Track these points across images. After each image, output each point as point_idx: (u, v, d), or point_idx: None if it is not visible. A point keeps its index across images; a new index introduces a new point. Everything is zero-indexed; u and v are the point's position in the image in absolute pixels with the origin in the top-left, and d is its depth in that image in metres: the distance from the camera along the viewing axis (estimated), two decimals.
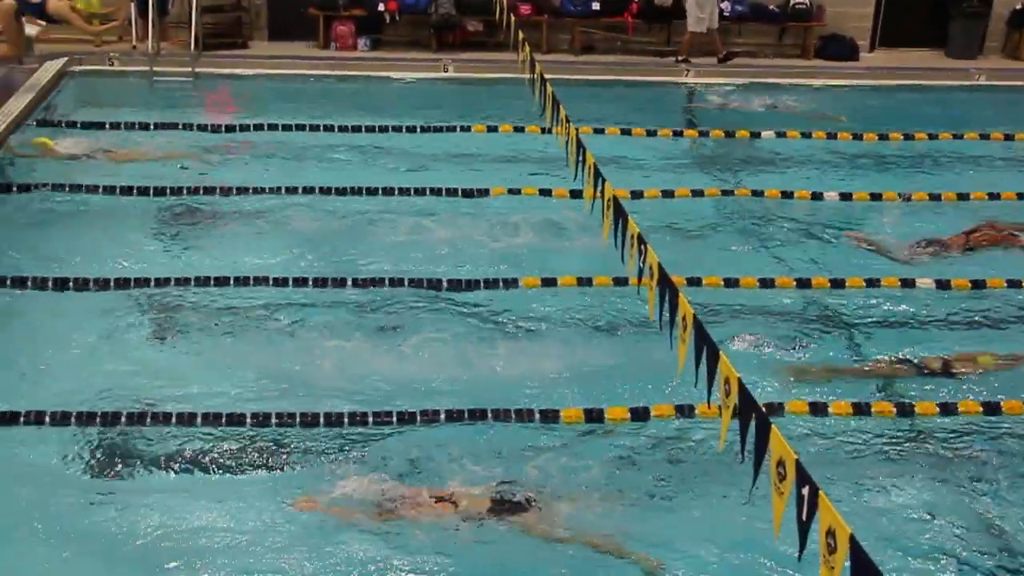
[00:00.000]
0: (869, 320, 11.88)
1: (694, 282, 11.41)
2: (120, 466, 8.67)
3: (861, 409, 9.94)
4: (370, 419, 9.28)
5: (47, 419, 8.89)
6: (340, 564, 7.58)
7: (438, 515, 8.10)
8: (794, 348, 11.18)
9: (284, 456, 8.92)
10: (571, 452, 9.11)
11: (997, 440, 9.75)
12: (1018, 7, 21.37)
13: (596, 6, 20.68)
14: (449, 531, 7.96)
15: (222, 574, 7.48)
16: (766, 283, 12.26)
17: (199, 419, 9.05)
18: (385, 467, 8.65)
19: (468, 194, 14.15)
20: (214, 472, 8.68)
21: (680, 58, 20.54)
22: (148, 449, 8.85)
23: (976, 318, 12.05)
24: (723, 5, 20.75)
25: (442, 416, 9.38)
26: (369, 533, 7.84)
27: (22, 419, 8.88)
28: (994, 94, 20.00)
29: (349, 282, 11.75)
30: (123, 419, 9.06)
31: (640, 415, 9.52)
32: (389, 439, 9.13)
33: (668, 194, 14.59)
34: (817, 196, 14.96)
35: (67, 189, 13.46)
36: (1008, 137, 17.32)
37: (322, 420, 9.21)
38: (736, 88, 19.40)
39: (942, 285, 12.38)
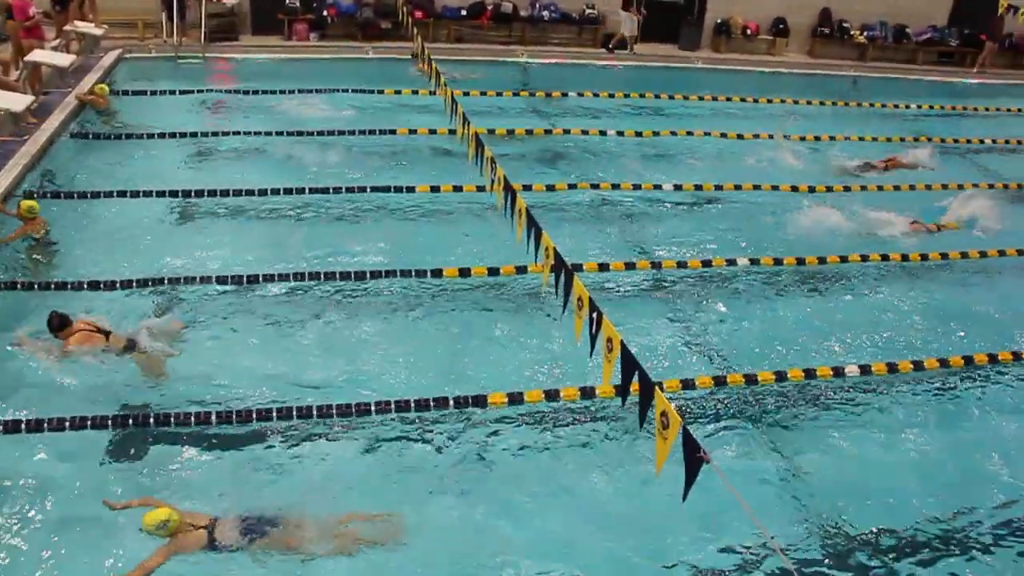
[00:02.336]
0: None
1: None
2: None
3: None
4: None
5: None
6: None
7: None
8: None
9: None
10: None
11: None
12: (719, 20, 21.79)
13: (464, 12, 20.64)
14: None
15: None
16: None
17: None
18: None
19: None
20: None
21: (610, 47, 20.94)
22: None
23: None
24: (543, 13, 20.87)
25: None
26: None
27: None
28: (707, 73, 20.28)
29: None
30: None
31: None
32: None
33: (511, 131, 14.66)
34: (603, 132, 15.01)
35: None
36: (714, 99, 17.79)
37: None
38: (551, 65, 19.48)
39: None
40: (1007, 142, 17.01)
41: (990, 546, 6.81)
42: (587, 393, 7.82)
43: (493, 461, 7.23)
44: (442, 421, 7.54)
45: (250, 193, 11.39)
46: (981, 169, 15.61)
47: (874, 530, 6.83)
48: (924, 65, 23.23)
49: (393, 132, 14.02)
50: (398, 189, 11.86)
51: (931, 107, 19.26)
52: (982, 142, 16.86)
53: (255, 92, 15.72)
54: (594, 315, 5.85)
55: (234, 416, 7.27)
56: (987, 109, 19.52)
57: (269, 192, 11.44)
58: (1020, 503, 7.26)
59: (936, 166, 15.07)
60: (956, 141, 16.72)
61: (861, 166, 14.68)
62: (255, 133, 13.67)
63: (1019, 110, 19.59)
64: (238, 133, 13.62)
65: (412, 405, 7.52)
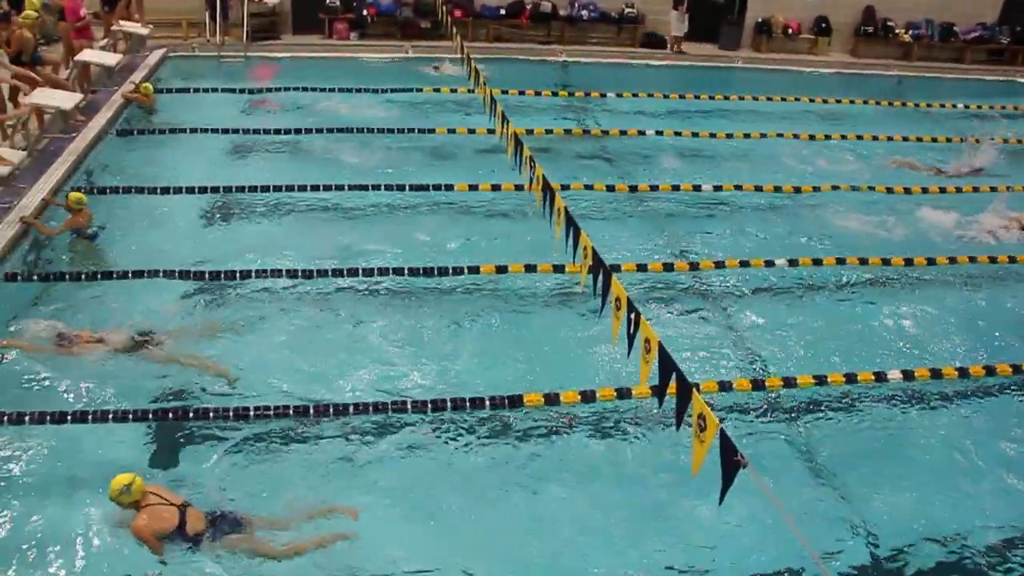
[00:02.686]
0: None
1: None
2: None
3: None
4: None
5: None
6: None
7: None
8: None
9: None
10: None
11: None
12: (759, 20, 21.57)
13: (503, 11, 20.65)
14: None
15: None
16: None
17: None
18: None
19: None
20: None
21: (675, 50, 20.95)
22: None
23: None
24: (582, 12, 20.81)
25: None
26: None
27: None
28: (747, 72, 20.15)
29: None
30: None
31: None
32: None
33: (549, 131, 14.58)
34: (642, 132, 14.83)
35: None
36: (755, 98, 17.57)
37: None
38: (589, 64, 19.42)
39: None
40: None
41: None
42: (624, 394, 7.75)
43: (523, 461, 7.23)
44: (478, 423, 7.55)
45: (290, 189, 11.51)
46: None
47: (914, 543, 6.70)
48: (972, 64, 22.83)
49: (432, 131, 14.05)
50: (436, 187, 11.87)
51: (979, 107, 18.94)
52: None
53: (296, 89, 15.81)
54: (632, 315, 5.82)
55: (251, 413, 7.28)
56: None
57: (309, 188, 11.54)
58: None
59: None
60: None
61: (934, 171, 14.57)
62: (295, 131, 13.78)
63: None
64: (279, 131, 13.73)
65: (448, 404, 7.50)
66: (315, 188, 11.56)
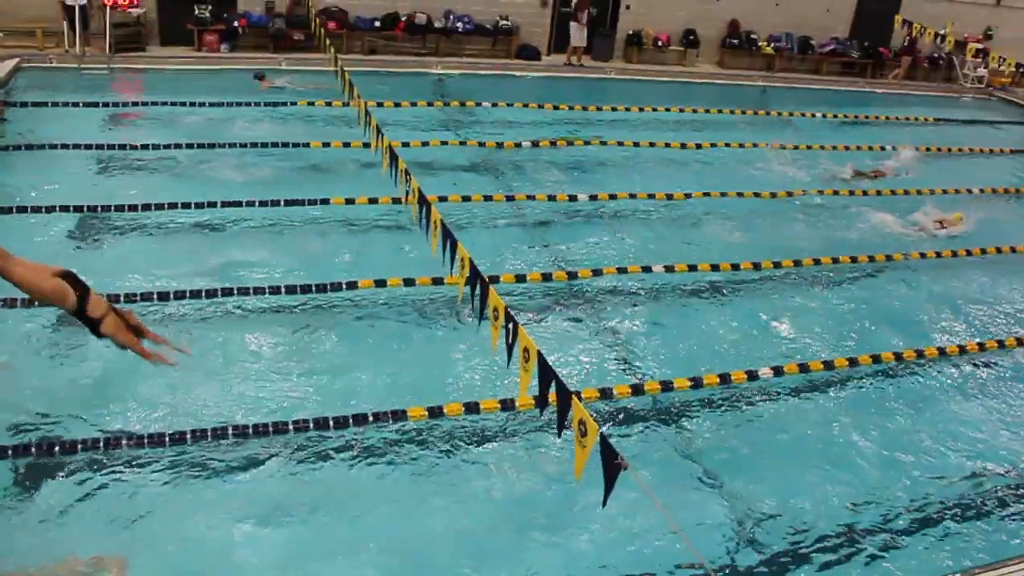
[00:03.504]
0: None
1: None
2: None
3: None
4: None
5: None
6: None
7: None
8: None
9: None
10: None
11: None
12: (630, 32, 22.09)
13: (377, 23, 20.53)
14: None
15: None
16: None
17: None
18: None
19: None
20: None
21: (568, 63, 21.32)
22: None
23: None
24: (458, 24, 20.86)
25: None
26: None
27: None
28: (618, 83, 20.57)
29: None
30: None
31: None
32: None
33: (426, 143, 14.49)
34: (518, 144, 15.00)
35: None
36: (627, 108, 17.95)
37: None
38: (466, 76, 19.50)
39: None
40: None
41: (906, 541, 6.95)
42: (507, 405, 7.71)
43: (405, 476, 7.09)
44: (361, 439, 7.33)
45: (160, 207, 11.03)
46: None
47: (796, 533, 6.86)
48: (828, 75, 24.04)
49: (307, 145, 13.78)
50: (312, 202, 11.62)
51: (836, 115, 19.96)
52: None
53: (164, 103, 15.28)
54: (510, 326, 5.83)
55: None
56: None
57: (180, 206, 11.10)
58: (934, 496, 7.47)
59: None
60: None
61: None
62: (164, 146, 13.26)
63: (926, 119, 20.52)
64: (146, 147, 13.19)
65: (330, 423, 7.27)
66: (186, 205, 11.10)
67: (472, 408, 7.67)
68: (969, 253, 12.62)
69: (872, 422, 8.43)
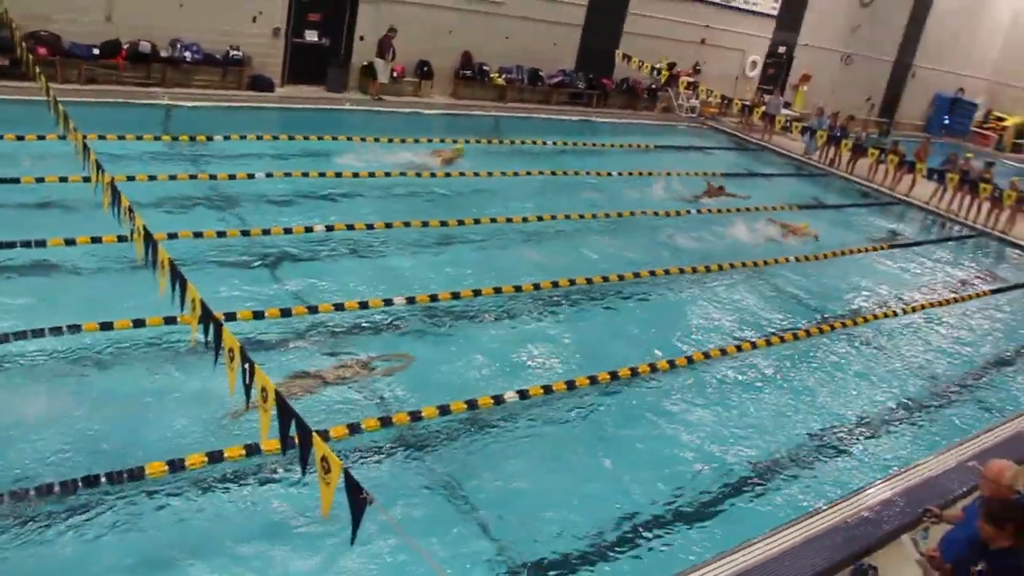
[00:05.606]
0: None
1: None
2: None
3: None
4: None
5: None
6: None
7: None
8: None
9: None
10: None
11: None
12: (365, 63, 22.48)
13: (96, 51, 19.53)
14: None
15: None
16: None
17: None
18: None
19: None
20: None
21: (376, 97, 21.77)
22: None
23: None
24: (185, 54, 20.29)
25: None
26: None
27: None
28: (352, 114, 20.89)
29: None
30: None
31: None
32: None
33: (153, 177, 13.97)
34: (251, 176, 14.88)
35: None
36: (349, 138, 18.31)
37: None
38: (195, 107, 18.98)
39: None
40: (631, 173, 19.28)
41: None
42: (252, 450, 7.57)
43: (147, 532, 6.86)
44: (93, 502, 6.93)
45: None
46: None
47: (551, 549, 7.26)
48: (557, 105, 25.66)
49: (16, 180, 12.75)
50: (26, 244, 10.82)
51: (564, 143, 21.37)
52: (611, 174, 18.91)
53: None
54: (247, 366, 5.77)
55: None
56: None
57: None
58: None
59: None
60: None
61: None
62: None
63: (647, 145, 22.44)
64: None
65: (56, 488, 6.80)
66: None
67: (216, 457, 7.47)
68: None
69: (612, 438, 9.12)
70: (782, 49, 32.31)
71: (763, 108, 26.91)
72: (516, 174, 17.65)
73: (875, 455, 9.91)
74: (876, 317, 14.16)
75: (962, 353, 13.57)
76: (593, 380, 10.02)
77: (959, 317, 15.21)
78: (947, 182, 22.10)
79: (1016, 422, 10.98)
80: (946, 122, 38.76)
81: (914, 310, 14.97)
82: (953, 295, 16.34)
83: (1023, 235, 21.55)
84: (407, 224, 13.83)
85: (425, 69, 23.45)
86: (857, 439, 10.18)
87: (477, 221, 14.50)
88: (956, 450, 9.89)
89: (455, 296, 11.62)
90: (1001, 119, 39.10)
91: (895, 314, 14.51)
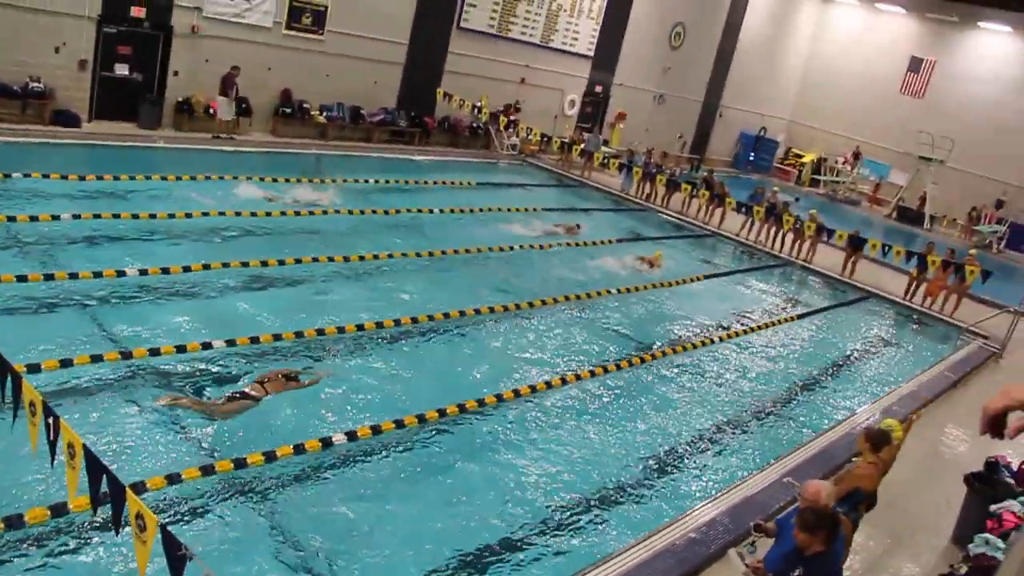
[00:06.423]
0: None
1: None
2: None
3: None
4: None
5: None
6: None
7: None
8: None
9: None
10: None
11: None
12: (180, 99, 21.97)
13: None
14: None
15: None
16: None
17: None
18: None
19: None
20: None
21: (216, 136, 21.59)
22: None
23: None
24: None
25: None
26: None
27: None
28: (167, 152, 20.32)
29: None
30: None
31: None
32: None
33: None
34: (56, 217, 14.09)
35: None
36: (179, 178, 17.79)
37: None
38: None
39: None
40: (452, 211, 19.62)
41: None
42: (58, 510, 7.12)
43: None
44: None
45: None
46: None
47: None
48: (379, 143, 25.83)
49: None
50: None
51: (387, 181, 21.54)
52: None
53: None
54: (50, 420, 5.54)
55: None
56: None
57: None
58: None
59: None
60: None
61: None
62: None
63: (469, 183, 22.89)
64: None
65: None
66: None
67: (16, 523, 7.00)
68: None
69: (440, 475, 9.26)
70: (599, 88, 33.78)
71: (582, 145, 28.02)
72: (338, 212, 17.63)
73: (702, 475, 10.58)
74: (695, 346, 15.01)
75: (774, 372, 14.76)
76: (421, 419, 10.11)
77: (771, 340, 16.41)
78: (754, 215, 23.69)
79: (824, 437, 12.03)
80: (751, 158, 41.59)
81: (730, 336, 16.00)
82: (766, 320, 17.57)
83: (822, 263, 23.31)
84: (226, 265, 13.55)
85: (244, 106, 23.10)
86: (686, 460, 10.85)
87: (298, 260, 14.38)
88: (775, 467, 10.72)
89: (276, 337, 11.47)
90: (799, 156, 42.38)
91: (712, 341, 15.44)
